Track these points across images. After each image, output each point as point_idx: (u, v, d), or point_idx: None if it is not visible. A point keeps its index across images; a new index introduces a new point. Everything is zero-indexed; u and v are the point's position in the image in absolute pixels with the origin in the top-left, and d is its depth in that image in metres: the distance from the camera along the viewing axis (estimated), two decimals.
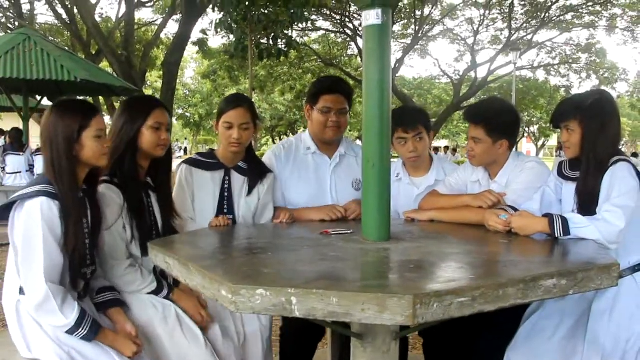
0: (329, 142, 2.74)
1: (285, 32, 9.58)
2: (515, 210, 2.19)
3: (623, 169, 2.07)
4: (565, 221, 1.98)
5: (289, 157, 2.73)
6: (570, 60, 25.53)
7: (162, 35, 18.97)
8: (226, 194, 2.51)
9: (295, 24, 9.49)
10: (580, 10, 20.82)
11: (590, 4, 20.02)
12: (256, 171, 2.57)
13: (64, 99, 2.02)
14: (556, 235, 1.97)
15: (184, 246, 1.92)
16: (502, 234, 2.07)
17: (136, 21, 18.32)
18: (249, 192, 2.53)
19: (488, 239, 2.06)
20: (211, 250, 2.00)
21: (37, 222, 1.79)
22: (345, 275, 1.57)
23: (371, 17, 1.90)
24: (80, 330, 1.83)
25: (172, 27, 24.62)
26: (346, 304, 1.24)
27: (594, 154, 2.12)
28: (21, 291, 1.88)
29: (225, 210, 2.50)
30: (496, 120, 2.41)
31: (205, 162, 2.53)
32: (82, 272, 1.97)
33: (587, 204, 2.12)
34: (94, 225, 2.01)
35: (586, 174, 2.15)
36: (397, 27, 21.44)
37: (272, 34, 9.45)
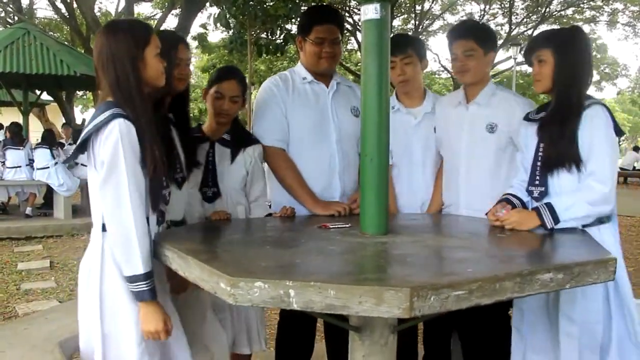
0: (324, 72, 2.70)
1: (284, 26, 9.54)
2: (514, 205, 2.19)
3: (603, 116, 2.06)
4: (551, 208, 1.98)
5: (288, 87, 2.68)
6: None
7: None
8: (210, 167, 2.49)
9: (295, 18, 9.48)
10: (581, 5, 20.78)
11: None
12: (240, 140, 2.54)
13: (116, 20, 1.98)
14: (548, 227, 1.98)
15: (182, 239, 1.93)
16: (500, 227, 2.08)
17: (135, 15, 18.29)
18: (232, 161, 2.50)
19: (486, 232, 2.07)
20: (210, 244, 2.01)
21: (118, 144, 1.72)
22: (343, 269, 1.58)
23: (370, 11, 1.90)
24: (143, 284, 1.73)
25: (172, 22, 24.61)
26: (343, 296, 1.25)
27: (565, 88, 2.10)
28: (104, 228, 1.80)
29: (210, 183, 2.47)
30: (485, 31, 2.57)
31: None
32: (163, 194, 1.93)
33: (553, 140, 2.11)
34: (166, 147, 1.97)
35: (554, 112, 2.14)
36: (396, 22, 21.41)
37: (271, 29, 9.42)
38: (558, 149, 2.09)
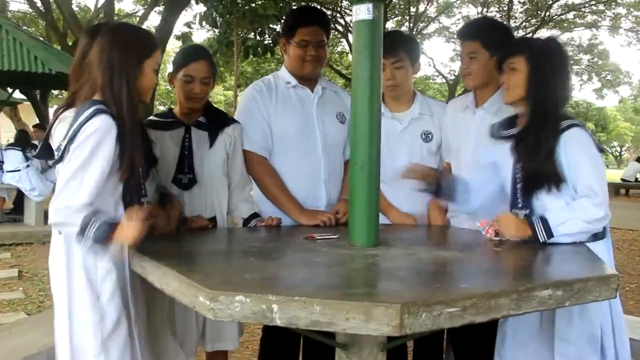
0: (308, 77, 2.69)
1: (272, 26, 9.57)
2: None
3: (583, 137, 2.03)
4: (545, 222, 1.98)
5: (271, 92, 2.66)
6: (572, 61, 25.76)
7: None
8: (186, 152, 2.46)
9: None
10: (583, 9, 21.02)
11: (593, 2, 20.22)
12: (217, 122, 2.52)
13: (126, 23, 2.07)
14: (540, 240, 1.97)
15: (160, 249, 1.91)
16: (495, 241, 2.08)
17: (116, 12, 18.24)
18: (211, 144, 2.48)
19: (481, 246, 2.07)
20: (189, 254, 1.98)
21: (95, 135, 1.76)
22: (330, 283, 1.57)
23: (362, 11, 1.90)
24: (89, 230, 1.73)
25: (154, 20, 24.56)
26: (330, 312, 1.23)
27: (539, 99, 2.06)
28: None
29: (186, 170, 2.45)
30: (494, 31, 2.45)
31: (163, 122, 2.49)
32: (141, 201, 1.96)
33: (531, 157, 2.07)
34: (146, 157, 2.02)
35: (528, 126, 2.09)
36: (390, 24, 21.52)
37: (259, 29, 9.44)
38: (536, 167, 2.05)
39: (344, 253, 1.86)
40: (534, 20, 21.46)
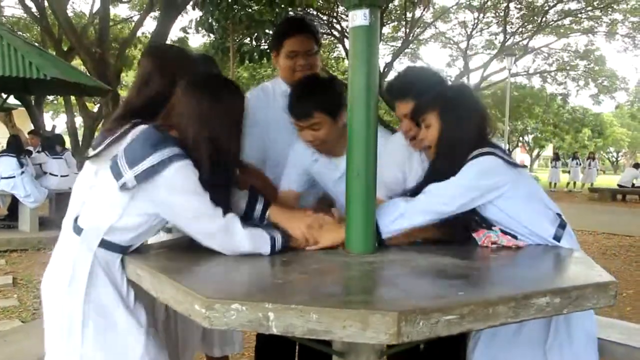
0: None
1: (269, 32, 9.58)
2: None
3: (476, 162, 1.99)
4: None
5: (268, 100, 2.66)
6: (568, 67, 25.88)
7: (139, 34, 18.92)
8: None
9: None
10: (579, 15, 21.13)
11: (590, 8, 20.32)
12: None
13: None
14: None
15: (159, 256, 1.90)
16: (491, 248, 2.07)
17: (111, 17, 18.25)
18: None
19: (478, 253, 2.06)
20: (185, 261, 1.96)
21: (190, 179, 1.75)
22: (326, 290, 1.56)
23: (358, 17, 1.90)
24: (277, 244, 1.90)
25: (150, 25, 24.56)
26: (327, 320, 1.23)
27: (448, 147, 2.06)
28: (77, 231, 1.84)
29: None
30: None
31: None
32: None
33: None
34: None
35: (432, 171, 2.10)
36: (386, 30, 21.61)
37: (255, 34, 9.45)
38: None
39: (341, 260, 1.85)
40: (531, 25, 21.57)
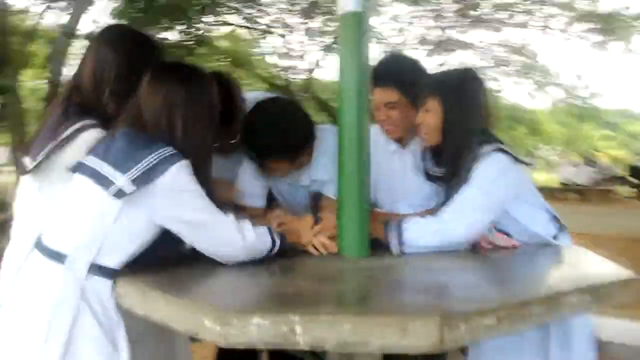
0: None
1: (195, 25, 9.46)
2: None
3: (493, 162, 2.01)
4: (400, 230, 1.97)
5: None
6: (504, 63, 26.80)
7: (42, 26, 18.11)
8: None
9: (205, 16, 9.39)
10: (513, 10, 21.91)
11: (524, 2, 21.13)
12: None
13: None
14: (393, 250, 1.97)
15: (141, 270, 1.72)
16: (489, 249, 2.09)
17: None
18: None
19: (489, 253, 2.05)
20: (174, 273, 1.75)
21: (192, 179, 1.71)
22: (347, 298, 1.53)
23: (349, 3, 1.87)
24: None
25: (55, 17, 23.48)
26: (361, 330, 1.20)
27: (454, 137, 2.09)
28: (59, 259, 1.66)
29: None
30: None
31: None
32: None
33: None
34: None
35: (450, 169, 2.12)
36: (315, 24, 21.66)
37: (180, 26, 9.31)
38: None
39: (342, 265, 1.83)
40: (467, 20, 22.19)
